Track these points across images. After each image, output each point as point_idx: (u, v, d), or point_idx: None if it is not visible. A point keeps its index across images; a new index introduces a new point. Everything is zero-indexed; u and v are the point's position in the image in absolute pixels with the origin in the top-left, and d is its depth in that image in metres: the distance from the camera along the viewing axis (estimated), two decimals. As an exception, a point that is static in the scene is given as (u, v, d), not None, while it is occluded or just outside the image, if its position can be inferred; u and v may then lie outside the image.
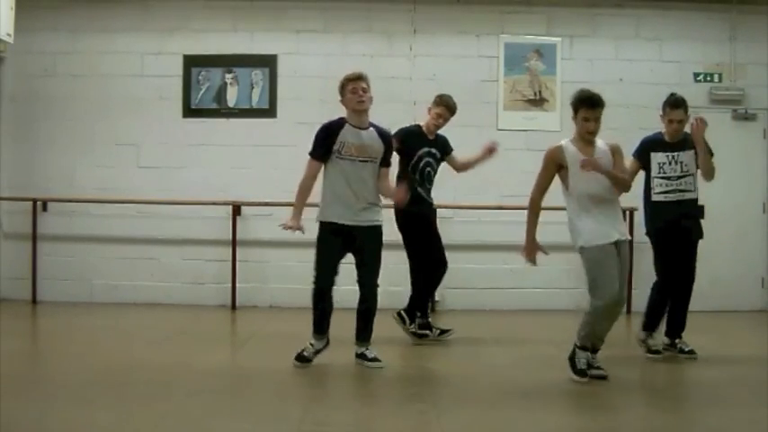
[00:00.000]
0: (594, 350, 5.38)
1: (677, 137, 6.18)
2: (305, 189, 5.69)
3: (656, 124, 8.16)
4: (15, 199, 8.74)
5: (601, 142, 5.41)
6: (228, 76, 8.89)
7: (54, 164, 8.82)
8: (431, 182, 6.88)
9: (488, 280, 8.73)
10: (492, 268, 8.75)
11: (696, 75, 8.94)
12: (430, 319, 6.93)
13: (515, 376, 5.61)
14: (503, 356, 6.34)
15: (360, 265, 5.66)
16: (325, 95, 8.89)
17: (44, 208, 8.82)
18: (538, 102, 8.92)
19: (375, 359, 5.68)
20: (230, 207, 8.64)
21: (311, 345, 5.70)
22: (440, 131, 6.95)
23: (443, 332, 6.86)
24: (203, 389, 5.06)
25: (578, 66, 8.89)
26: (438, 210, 8.30)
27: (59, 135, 8.83)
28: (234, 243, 8.61)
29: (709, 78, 8.94)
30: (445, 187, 8.12)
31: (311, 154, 5.67)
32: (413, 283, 6.89)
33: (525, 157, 8.83)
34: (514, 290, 8.72)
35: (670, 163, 6.13)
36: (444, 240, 8.51)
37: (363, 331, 5.74)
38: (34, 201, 8.69)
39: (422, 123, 6.93)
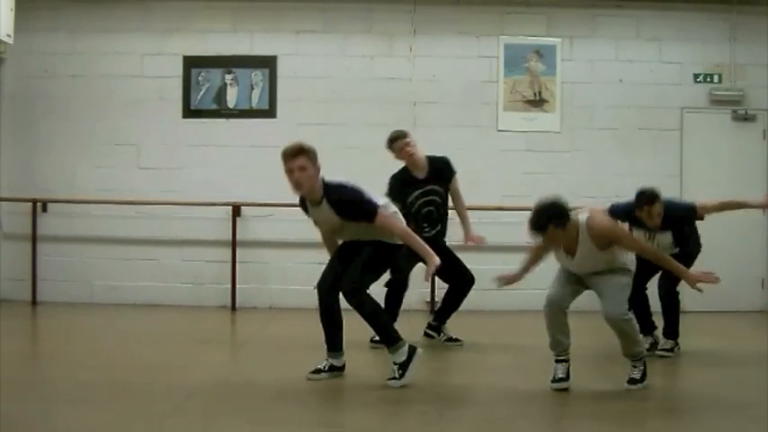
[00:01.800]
0: (558, 359, 5.16)
1: (656, 229, 6.07)
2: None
3: (656, 124, 8.23)
4: (15, 200, 8.73)
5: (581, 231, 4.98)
6: (228, 76, 8.89)
7: (54, 164, 8.82)
8: (432, 218, 6.49)
9: (488, 281, 8.68)
10: (492, 269, 8.70)
11: (696, 75, 8.94)
12: (444, 326, 6.83)
13: (516, 377, 5.61)
14: (503, 357, 6.34)
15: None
16: (325, 96, 8.97)
17: (44, 209, 8.81)
18: (538, 102, 8.92)
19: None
20: (230, 208, 8.64)
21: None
22: (439, 154, 6.59)
23: (451, 340, 6.75)
24: (203, 390, 5.05)
25: (578, 66, 8.89)
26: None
27: (59, 136, 8.83)
28: (234, 244, 8.60)
29: (708, 79, 8.94)
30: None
31: None
32: (444, 299, 6.91)
33: (525, 157, 8.88)
34: (514, 291, 8.65)
35: (648, 239, 6.03)
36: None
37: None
38: (34, 201, 8.69)
39: (405, 163, 6.52)
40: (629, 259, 5.20)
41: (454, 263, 6.65)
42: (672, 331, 6.35)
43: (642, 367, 5.15)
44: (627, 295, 5.11)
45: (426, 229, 6.43)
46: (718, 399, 5.04)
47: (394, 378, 5.16)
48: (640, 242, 5.60)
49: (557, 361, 5.16)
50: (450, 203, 6.73)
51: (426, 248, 5.12)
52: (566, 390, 5.07)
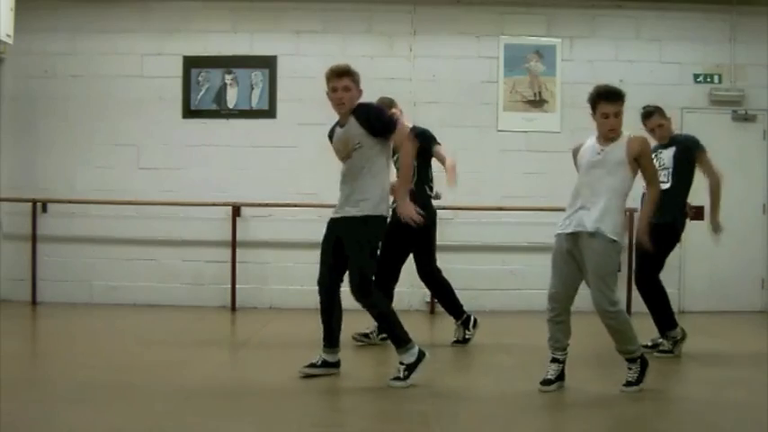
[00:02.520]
0: (553, 359, 5.13)
1: (662, 141, 6.46)
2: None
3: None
4: (15, 200, 8.73)
5: (625, 137, 5.10)
6: (228, 77, 8.89)
7: (54, 165, 8.83)
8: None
9: (488, 281, 8.73)
10: (492, 269, 8.75)
11: (696, 76, 8.95)
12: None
13: (516, 377, 5.60)
14: (503, 357, 6.34)
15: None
16: (325, 97, 8.92)
17: (44, 209, 8.82)
18: (538, 103, 8.92)
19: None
20: (230, 208, 8.64)
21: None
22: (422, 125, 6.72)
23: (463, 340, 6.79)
24: (203, 390, 5.05)
25: (578, 67, 8.89)
26: (438, 211, 8.33)
27: (59, 136, 8.83)
28: (234, 244, 8.60)
29: (708, 79, 8.95)
30: (445, 188, 8.13)
31: None
32: (441, 302, 6.97)
33: (525, 158, 8.88)
34: (514, 291, 8.71)
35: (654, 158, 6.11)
36: (444, 241, 8.56)
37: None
38: (34, 202, 8.69)
39: None
40: (623, 224, 5.08)
41: (417, 252, 6.77)
42: (665, 323, 6.26)
43: (638, 368, 5.07)
44: (614, 282, 4.99)
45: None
46: (719, 399, 5.05)
47: (398, 378, 5.16)
48: (655, 169, 5.37)
49: (551, 360, 5.14)
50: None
51: (405, 187, 5.24)
52: (552, 392, 5.03)
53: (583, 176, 5.13)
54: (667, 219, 6.08)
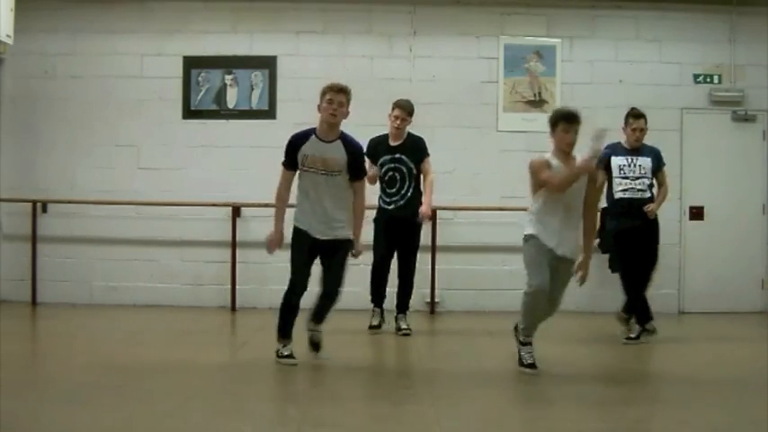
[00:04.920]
0: (525, 342, 5.69)
1: (637, 144, 6.93)
2: (279, 198, 5.82)
3: (656, 125, 8.18)
4: (15, 200, 8.73)
5: (578, 156, 5.64)
6: (228, 77, 8.89)
7: (54, 165, 8.82)
8: (394, 186, 7.08)
9: (488, 281, 8.72)
10: (492, 269, 8.75)
11: (696, 76, 8.94)
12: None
13: (515, 377, 5.61)
14: (503, 358, 6.33)
15: (326, 271, 5.77)
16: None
17: (44, 209, 8.81)
18: (538, 103, 8.92)
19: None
20: (230, 208, 8.64)
21: (280, 350, 5.77)
22: (418, 134, 7.19)
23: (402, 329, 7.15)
24: (203, 390, 5.06)
25: (578, 67, 8.90)
26: (438, 211, 8.35)
27: (59, 136, 8.83)
28: (234, 244, 8.60)
29: (708, 80, 8.95)
30: (445, 189, 8.14)
31: (282, 163, 5.80)
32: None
33: (525, 158, 8.69)
34: (514, 291, 8.65)
35: (630, 165, 6.88)
36: (444, 242, 8.59)
37: (319, 314, 5.85)
38: (34, 202, 8.69)
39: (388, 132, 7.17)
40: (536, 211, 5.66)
41: (403, 250, 7.21)
42: (634, 313, 6.84)
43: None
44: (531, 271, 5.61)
45: (387, 192, 7.06)
46: (718, 399, 5.05)
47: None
48: (543, 175, 5.67)
49: (524, 344, 5.66)
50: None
51: (358, 233, 5.80)
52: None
53: (570, 195, 5.63)
54: (654, 221, 6.91)
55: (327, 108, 5.58)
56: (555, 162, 5.61)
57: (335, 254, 5.70)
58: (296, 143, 5.71)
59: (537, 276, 5.55)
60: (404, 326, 7.09)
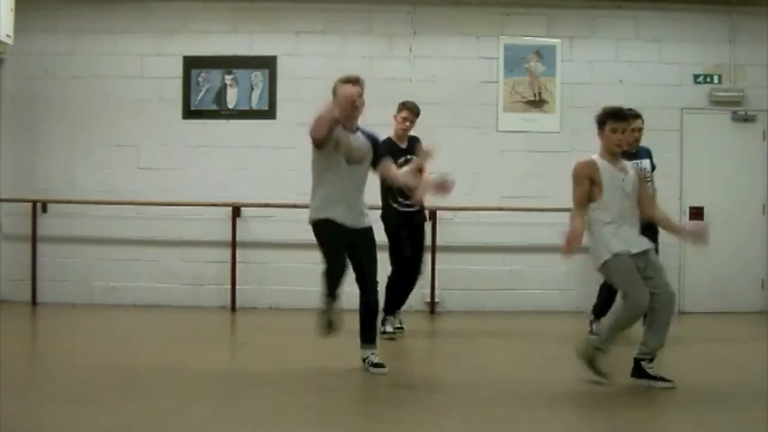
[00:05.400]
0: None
1: (634, 146, 6.76)
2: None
3: (656, 125, 8.21)
4: (15, 200, 8.73)
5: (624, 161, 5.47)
6: (228, 77, 8.89)
7: (54, 165, 8.82)
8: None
9: (488, 281, 8.72)
10: (492, 269, 8.75)
11: (696, 76, 8.94)
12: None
13: (515, 377, 5.61)
14: (503, 358, 6.34)
15: (358, 268, 5.56)
16: (325, 97, 8.92)
17: (44, 209, 8.82)
18: (538, 103, 8.92)
19: (379, 365, 5.58)
20: (230, 208, 8.64)
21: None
22: (416, 134, 7.14)
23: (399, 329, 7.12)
24: (203, 391, 5.06)
25: (578, 67, 8.90)
26: (438, 211, 8.36)
27: (59, 136, 8.83)
28: (234, 244, 8.60)
29: (708, 80, 8.95)
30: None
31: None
32: (387, 286, 6.99)
33: (525, 158, 8.88)
34: (514, 291, 8.71)
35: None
36: (444, 242, 8.59)
37: (368, 332, 5.66)
38: (34, 202, 8.69)
39: (390, 134, 7.03)
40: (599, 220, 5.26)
41: (418, 251, 7.12)
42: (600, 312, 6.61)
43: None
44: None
45: (404, 194, 6.81)
46: (718, 399, 5.04)
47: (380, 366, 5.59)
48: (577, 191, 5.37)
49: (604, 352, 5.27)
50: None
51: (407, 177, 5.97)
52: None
53: (624, 197, 5.32)
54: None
55: (359, 102, 5.60)
56: (602, 164, 5.31)
57: (366, 247, 5.58)
58: (327, 132, 5.53)
59: (638, 293, 5.10)
60: (398, 324, 7.14)
